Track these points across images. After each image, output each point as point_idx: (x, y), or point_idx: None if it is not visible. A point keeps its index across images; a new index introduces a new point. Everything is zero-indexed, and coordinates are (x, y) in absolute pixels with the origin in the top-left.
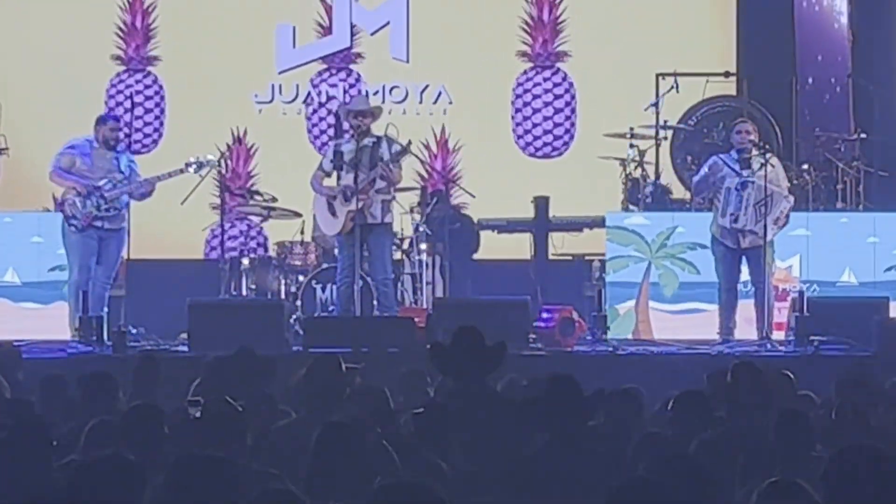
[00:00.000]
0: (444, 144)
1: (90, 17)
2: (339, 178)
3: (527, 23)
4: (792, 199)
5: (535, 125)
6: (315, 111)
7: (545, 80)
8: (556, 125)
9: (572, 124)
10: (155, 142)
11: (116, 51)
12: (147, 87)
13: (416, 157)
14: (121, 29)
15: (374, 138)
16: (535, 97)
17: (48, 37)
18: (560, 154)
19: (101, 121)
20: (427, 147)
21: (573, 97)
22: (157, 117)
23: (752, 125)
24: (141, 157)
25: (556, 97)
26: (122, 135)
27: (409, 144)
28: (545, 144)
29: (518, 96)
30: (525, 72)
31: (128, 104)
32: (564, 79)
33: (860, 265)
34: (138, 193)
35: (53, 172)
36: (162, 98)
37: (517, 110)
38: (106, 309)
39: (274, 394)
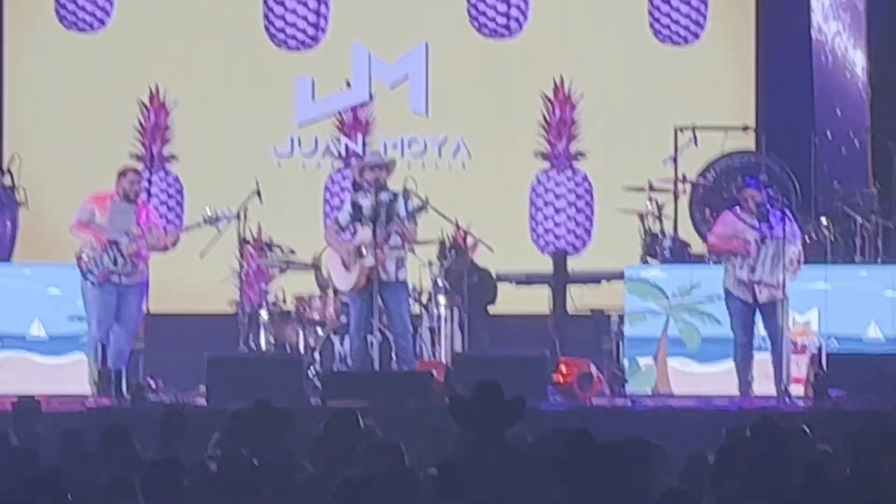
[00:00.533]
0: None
1: (116, 72)
2: (355, 231)
3: (548, 97)
4: (799, 243)
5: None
6: (336, 167)
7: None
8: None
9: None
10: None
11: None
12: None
13: (437, 211)
14: (143, 111)
15: (392, 193)
16: (556, 156)
17: (72, 88)
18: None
19: (121, 174)
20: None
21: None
22: (176, 181)
23: (755, 189)
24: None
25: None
26: (142, 187)
27: (427, 201)
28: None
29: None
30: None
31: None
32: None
33: (880, 319)
34: (158, 247)
35: (73, 226)
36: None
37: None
38: (124, 365)
39: (292, 448)
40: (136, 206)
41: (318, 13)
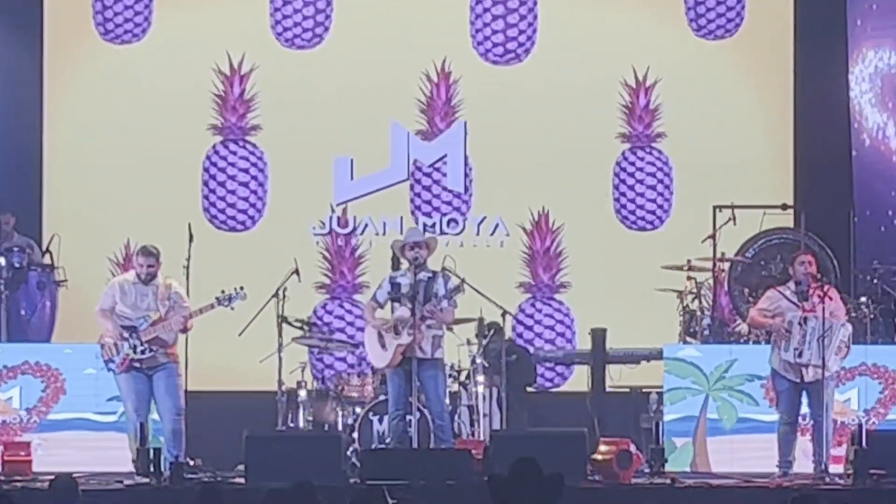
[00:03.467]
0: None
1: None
2: (393, 310)
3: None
4: (850, 326)
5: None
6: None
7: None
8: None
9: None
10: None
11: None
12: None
13: (477, 291)
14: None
15: (430, 273)
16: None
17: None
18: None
19: (136, 255)
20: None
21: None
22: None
23: (811, 256)
24: None
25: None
26: (155, 270)
27: (463, 282)
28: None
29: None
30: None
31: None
32: (623, 208)
33: None
34: (176, 330)
35: (97, 312)
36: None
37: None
38: (184, 443)
39: None
40: (155, 288)
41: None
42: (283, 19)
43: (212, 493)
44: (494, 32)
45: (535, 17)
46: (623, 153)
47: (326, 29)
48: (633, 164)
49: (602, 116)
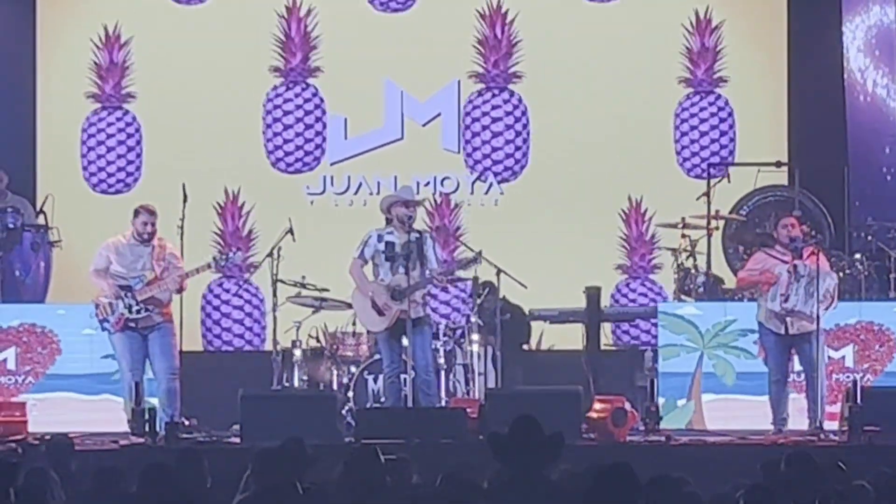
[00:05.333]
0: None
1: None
2: (376, 269)
3: None
4: (835, 276)
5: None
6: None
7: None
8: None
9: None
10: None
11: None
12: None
13: (488, 261)
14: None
15: (418, 233)
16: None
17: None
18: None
19: (134, 213)
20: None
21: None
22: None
23: (796, 219)
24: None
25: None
26: (155, 228)
27: (480, 253)
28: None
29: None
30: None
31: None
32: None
33: None
34: (172, 290)
35: (91, 273)
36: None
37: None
38: (179, 403)
39: (324, 485)
40: (151, 248)
41: None
42: None
43: (192, 455)
44: None
45: None
46: None
47: None
48: None
49: None
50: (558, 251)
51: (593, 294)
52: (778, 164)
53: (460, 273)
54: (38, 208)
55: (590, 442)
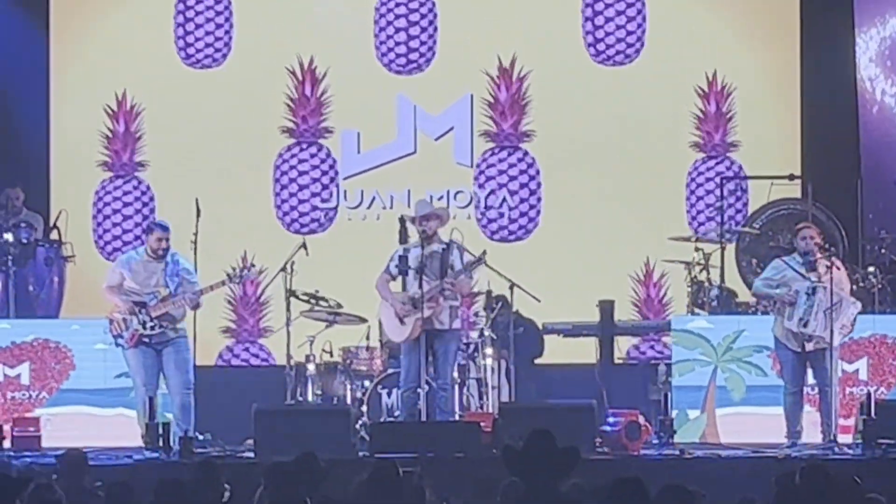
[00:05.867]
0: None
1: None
2: (404, 283)
3: None
4: (859, 304)
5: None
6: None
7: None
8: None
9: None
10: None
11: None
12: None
13: (488, 266)
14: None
15: (444, 244)
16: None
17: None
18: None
19: (147, 230)
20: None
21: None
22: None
23: (815, 229)
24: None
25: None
26: (169, 244)
27: (484, 254)
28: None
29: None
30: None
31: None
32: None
33: None
34: (189, 306)
35: (104, 289)
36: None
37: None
38: (193, 418)
39: (335, 499)
40: (165, 264)
41: None
42: None
43: (209, 468)
44: None
45: None
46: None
47: None
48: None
49: None
50: (572, 265)
51: (607, 307)
52: (791, 178)
53: (464, 278)
54: (51, 223)
55: (604, 456)
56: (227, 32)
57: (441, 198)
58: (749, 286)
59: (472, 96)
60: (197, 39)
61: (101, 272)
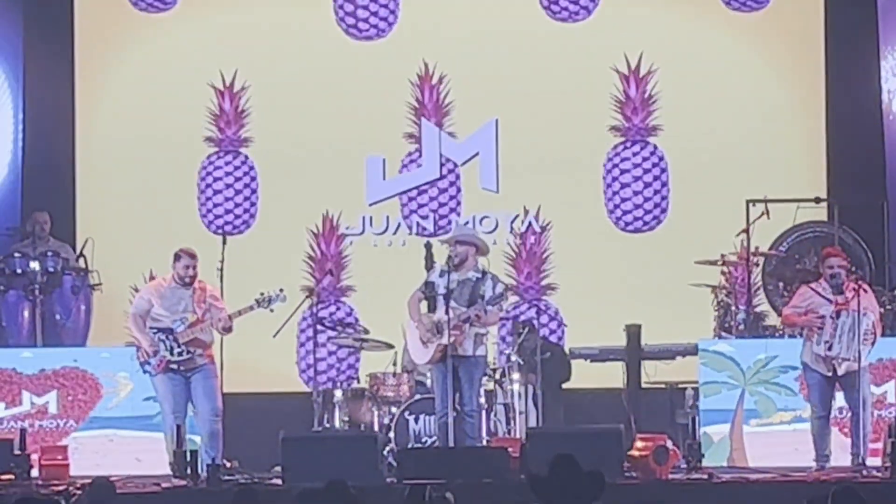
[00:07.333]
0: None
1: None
2: (429, 307)
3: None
4: (871, 315)
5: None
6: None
7: (638, 219)
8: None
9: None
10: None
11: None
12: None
13: (518, 295)
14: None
15: (479, 273)
16: (628, 224)
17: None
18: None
19: (175, 257)
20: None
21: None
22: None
23: (841, 255)
24: None
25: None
26: (196, 270)
27: (507, 289)
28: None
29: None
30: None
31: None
32: (658, 206)
33: None
34: (219, 330)
35: (130, 318)
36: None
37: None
38: (221, 445)
39: None
40: (192, 291)
41: None
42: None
43: (248, 494)
44: None
45: None
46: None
47: None
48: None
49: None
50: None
51: (633, 331)
52: (817, 201)
53: (493, 310)
54: (77, 252)
55: (632, 480)
56: None
57: (467, 223)
58: (775, 309)
59: (497, 121)
60: None
61: (129, 299)
